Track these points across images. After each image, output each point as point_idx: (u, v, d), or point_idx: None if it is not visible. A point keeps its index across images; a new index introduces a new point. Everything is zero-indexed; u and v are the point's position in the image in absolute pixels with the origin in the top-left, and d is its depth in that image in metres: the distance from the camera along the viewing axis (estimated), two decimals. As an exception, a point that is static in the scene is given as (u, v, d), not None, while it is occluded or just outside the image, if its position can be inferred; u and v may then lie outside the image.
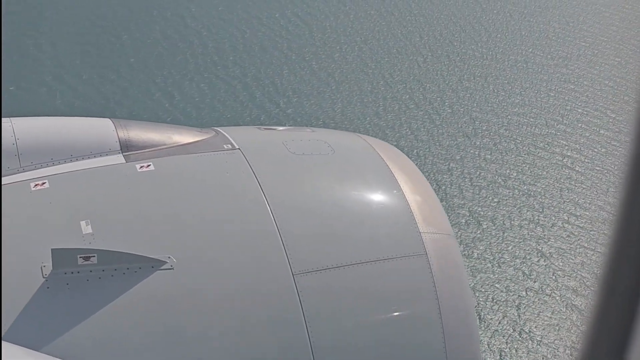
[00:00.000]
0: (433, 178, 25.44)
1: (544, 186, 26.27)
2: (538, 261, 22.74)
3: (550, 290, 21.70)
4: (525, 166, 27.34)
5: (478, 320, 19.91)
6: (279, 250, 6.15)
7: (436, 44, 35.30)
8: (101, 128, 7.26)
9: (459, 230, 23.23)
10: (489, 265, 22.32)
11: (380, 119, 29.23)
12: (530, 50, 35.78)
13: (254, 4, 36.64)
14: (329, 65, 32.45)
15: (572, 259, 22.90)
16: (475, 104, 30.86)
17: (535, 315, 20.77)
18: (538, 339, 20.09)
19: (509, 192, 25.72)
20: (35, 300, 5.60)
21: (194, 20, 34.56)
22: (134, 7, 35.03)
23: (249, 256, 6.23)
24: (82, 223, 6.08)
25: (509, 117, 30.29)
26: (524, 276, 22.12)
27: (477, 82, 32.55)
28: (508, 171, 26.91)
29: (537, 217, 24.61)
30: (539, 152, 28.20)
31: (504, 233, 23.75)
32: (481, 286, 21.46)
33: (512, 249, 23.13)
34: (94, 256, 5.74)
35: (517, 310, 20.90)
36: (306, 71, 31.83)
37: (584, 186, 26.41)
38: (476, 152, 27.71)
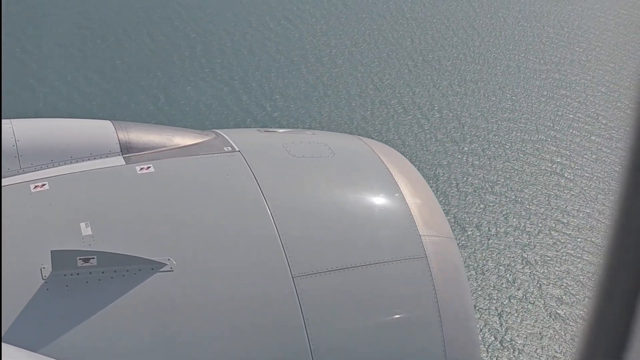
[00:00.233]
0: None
1: (531, 193, 25.93)
2: (522, 269, 22.38)
3: (534, 298, 21.35)
4: (514, 172, 27.01)
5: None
6: (278, 252, 6.18)
7: (427, 47, 34.96)
8: (101, 130, 7.30)
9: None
10: (472, 272, 21.98)
11: (367, 123, 28.90)
12: (523, 55, 35.45)
13: (243, 6, 36.35)
14: (318, 69, 32.16)
15: (557, 267, 22.56)
16: (465, 109, 30.53)
17: (518, 324, 20.42)
18: (519, 347, 19.75)
19: (496, 199, 25.38)
20: (34, 301, 5.63)
21: (182, 23, 34.27)
22: (121, 9, 34.75)
23: (249, 258, 6.26)
24: (82, 225, 6.13)
25: (499, 122, 29.95)
26: (507, 284, 21.77)
27: (467, 87, 32.21)
28: (495, 177, 26.57)
29: (523, 224, 24.27)
30: (527, 158, 27.86)
31: (488, 240, 23.40)
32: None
33: (496, 256, 22.79)
34: (93, 258, 5.78)
35: (499, 318, 20.56)
36: (294, 74, 31.53)
37: (572, 193, 26.05)
38: (464, 158, 27.37)
